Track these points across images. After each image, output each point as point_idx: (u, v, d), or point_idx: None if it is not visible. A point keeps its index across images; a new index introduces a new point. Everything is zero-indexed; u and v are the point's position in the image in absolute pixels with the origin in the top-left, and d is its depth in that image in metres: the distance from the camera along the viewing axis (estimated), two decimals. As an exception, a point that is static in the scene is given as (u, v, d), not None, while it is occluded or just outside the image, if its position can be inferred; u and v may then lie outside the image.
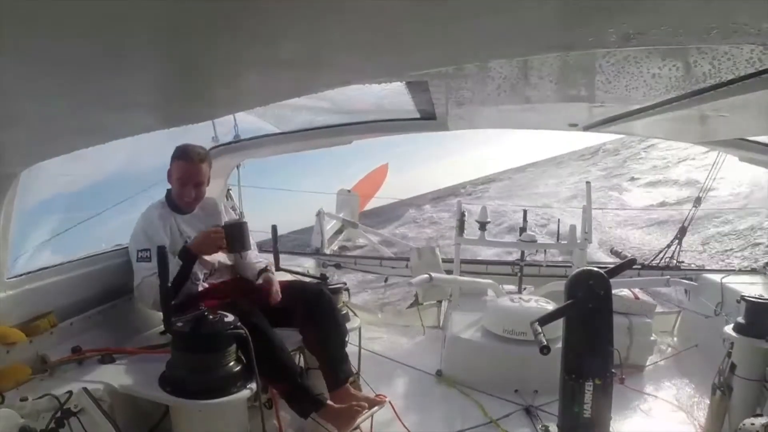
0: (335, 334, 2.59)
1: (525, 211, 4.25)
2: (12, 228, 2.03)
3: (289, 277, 3.05)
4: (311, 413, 2.30)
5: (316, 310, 2.56)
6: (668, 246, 4.81)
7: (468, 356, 3.35)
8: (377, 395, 2.63)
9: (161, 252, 1.97)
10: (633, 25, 1.08)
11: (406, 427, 2.63)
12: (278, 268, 2.90)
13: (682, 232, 4.85)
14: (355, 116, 3.28)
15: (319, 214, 5.40)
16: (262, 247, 3.27)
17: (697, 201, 4.97)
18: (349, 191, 6.56)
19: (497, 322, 3.34)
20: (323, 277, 3.05)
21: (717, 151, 4.35)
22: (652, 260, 4.79)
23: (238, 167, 4.05)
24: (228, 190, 4.14)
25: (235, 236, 2.43)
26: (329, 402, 2.35)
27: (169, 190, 2.64)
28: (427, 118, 3.12)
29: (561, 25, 1.13)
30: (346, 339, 2.70)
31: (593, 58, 1.52)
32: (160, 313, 2.55)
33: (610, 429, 1.97)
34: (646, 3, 0.99)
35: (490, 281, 3.92)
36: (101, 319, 2.45)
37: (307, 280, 3.10)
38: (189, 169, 2.53)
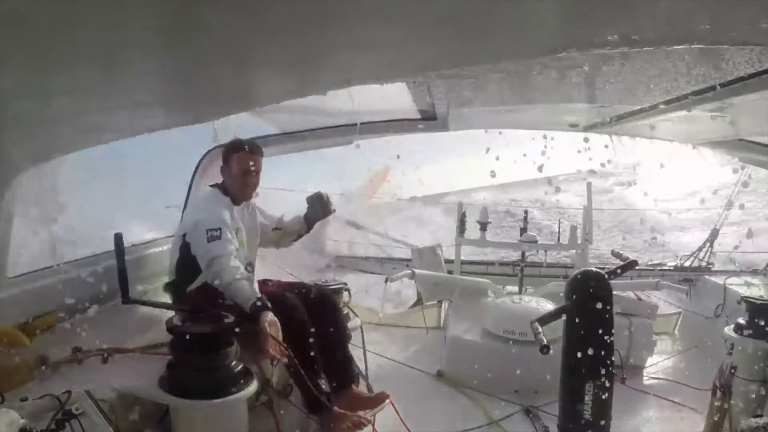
0: (338, 336, 2.61)
1: (526, 212, 4.24)
2: (12, 228, 2.03)
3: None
4: (321, 411, 2.32)
5: (319, 312, 2.56)
6: (699, 249, 4.76)
7: (468, 357, 3.34)
8: (378, 393, 2.64)
9: (118, 239, 2.40)
10: (633, 26, 1.08)
11: (407, 427, 2.62)
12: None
13: (714, 234, 4.79)
14: (355, 116, 3.27)
15: None
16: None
17: (729, 204, 4.92)
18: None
19: (497, 323, 3.33)
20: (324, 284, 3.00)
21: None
22: (684, 262, 4.74)
23: None
24: None
25: (318, 206, 2.89)
26: (335, 408, 2.36)
27: (218, 185, 2.68)
28: (428, 119, 3.12)
29: (561, 26, 1.13)
30: (348, 340, 2.72)
31: (593, 58, 1.52)
32: (161, 313, 2.57)
33: (610, 429, 1.97)
34: (646, 3, 0.99)
35: (489, 281, 3.91)
36: (101, 319, 2.45)
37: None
38: (249, 158, 2.63)
